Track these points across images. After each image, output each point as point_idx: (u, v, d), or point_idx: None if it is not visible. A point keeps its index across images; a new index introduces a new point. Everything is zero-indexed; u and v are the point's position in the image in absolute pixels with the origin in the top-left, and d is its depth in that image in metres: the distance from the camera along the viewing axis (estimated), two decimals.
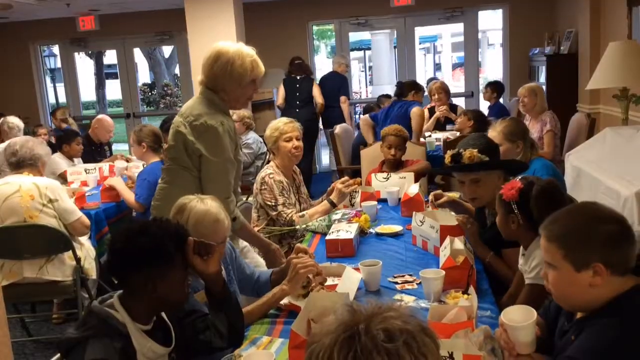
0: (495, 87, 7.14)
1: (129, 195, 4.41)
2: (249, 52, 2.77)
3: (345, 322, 1.01)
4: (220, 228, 2.20)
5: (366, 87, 18.10)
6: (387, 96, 7.47)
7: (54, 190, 3.65)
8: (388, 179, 3.99)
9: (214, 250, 1.91)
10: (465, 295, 2.15)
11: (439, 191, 3.41)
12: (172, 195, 2.49)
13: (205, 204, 2.21)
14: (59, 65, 10.41)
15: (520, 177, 2.35)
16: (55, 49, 10.82)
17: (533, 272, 2.16)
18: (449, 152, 2.86)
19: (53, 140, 6.60)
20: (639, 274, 1.60)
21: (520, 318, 1.71)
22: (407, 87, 5.99)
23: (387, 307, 1.05)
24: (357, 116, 8.96)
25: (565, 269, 1.59)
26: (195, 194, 2.31)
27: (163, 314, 1.86)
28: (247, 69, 2.73)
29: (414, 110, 5.70)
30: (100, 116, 6.63)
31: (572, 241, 1.58)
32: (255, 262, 3.06)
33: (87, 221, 3.80)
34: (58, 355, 1.82)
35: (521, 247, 2.30)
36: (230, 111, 2.91)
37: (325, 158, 9.68)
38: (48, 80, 11.84)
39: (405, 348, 0.98)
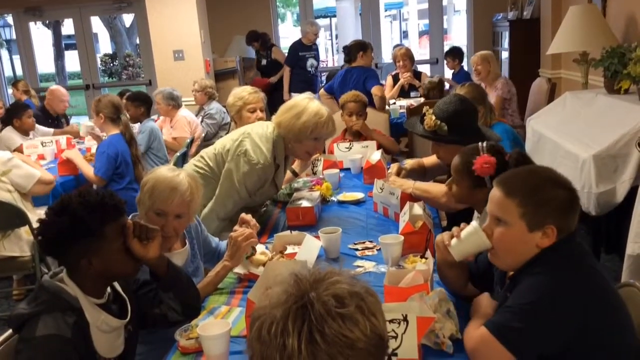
0: (454, 55, 7.02)
1: (88, 169, 4.28)
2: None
3: (293, 293, 1.02)
4: (175, 198, 2.12)
5: (332, 56, 17.92)
6: None
7: (6, 162, 3.56)
8: (350, 148, 3.96)
9: (155, 235, 1.82)
10: (423, 260, 2.16)
11: (397, 164, 3.23)
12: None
13: (173, 173, 2.17)
14: (14, 36, 10.02)
15: (486, 147, 2.26)
16: (10, 19, 10.39)
17: None
18: (425, 109, 2.77)
19: None
20: None
21: None
22: (354, 50, 5.63)
23: (329, 272, 1.06)
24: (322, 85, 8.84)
25: (518, 227, 1.58)
26: None
27: (118, 287, 1.82)
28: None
29: (375, 92, 5.25)
30: (53, 86, 6.46)
31: (532, 200, 1.57)
32: None
33: (48, 176, 3.70)
34: (10, 331, 1.77)
35: (475, 212, 2.30)
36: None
37: None
38: (4, 51, 11.43)
39: (358, 310, 1.00)
